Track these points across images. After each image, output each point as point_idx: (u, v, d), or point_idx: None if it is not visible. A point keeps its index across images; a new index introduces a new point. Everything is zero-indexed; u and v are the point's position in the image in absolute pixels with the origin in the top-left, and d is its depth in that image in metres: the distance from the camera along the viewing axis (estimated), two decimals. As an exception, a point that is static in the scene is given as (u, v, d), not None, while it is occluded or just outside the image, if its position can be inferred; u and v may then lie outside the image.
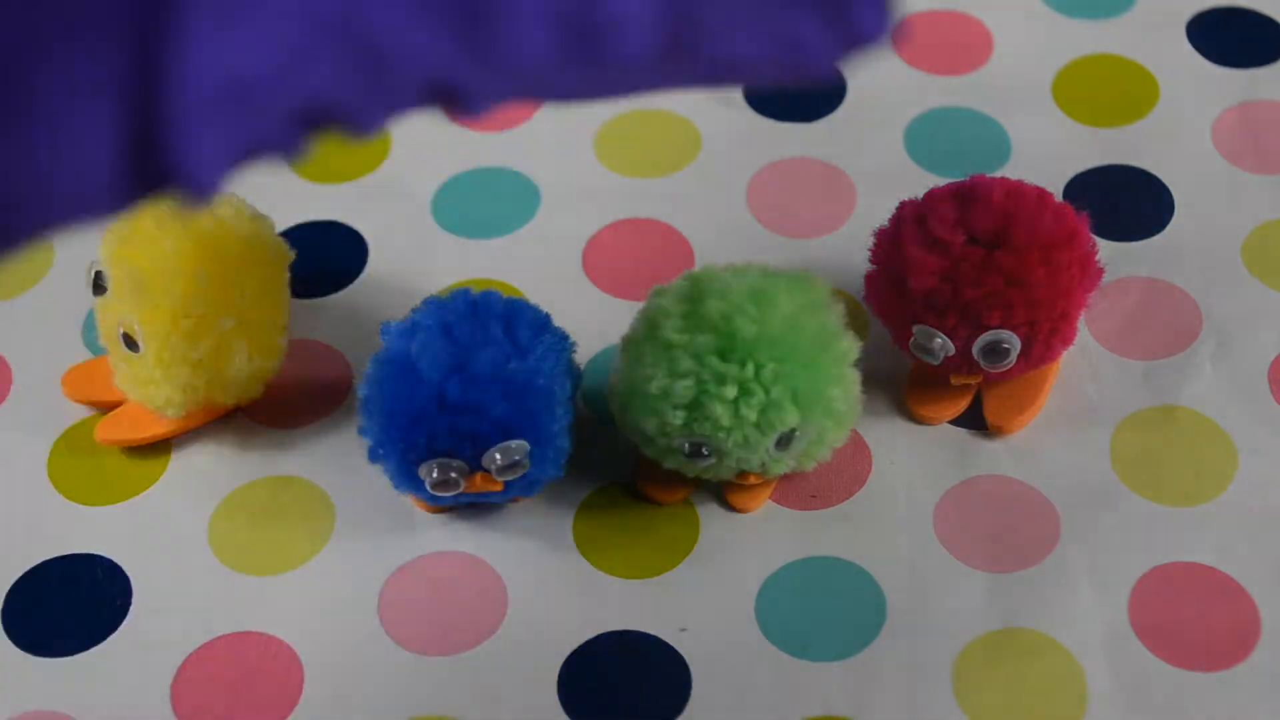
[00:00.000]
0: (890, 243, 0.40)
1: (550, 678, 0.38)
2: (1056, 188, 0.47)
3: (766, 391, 0.37)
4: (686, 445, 0.37)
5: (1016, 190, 0.40)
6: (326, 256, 0.48)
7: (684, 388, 0.36)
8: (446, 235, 0.48)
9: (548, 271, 0.47)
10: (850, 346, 0.38)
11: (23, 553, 0.41)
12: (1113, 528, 0.40)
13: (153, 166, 0.20)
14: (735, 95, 0.51)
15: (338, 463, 0.42)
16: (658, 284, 0.39)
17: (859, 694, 0.37)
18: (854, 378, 0.39)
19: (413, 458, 0.37)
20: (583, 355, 0.41)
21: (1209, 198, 0.47)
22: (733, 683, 0.38)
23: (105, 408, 0.44)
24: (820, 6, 0.25)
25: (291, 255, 0.43)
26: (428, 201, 0.49)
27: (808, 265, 0.39)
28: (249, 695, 0.38)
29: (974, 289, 0.39)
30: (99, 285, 0.41)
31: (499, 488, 0.38)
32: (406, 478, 0.38)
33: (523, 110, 0.51)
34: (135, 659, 0.39)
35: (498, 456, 0.37)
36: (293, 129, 0.22)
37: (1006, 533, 0.40)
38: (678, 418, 0.37)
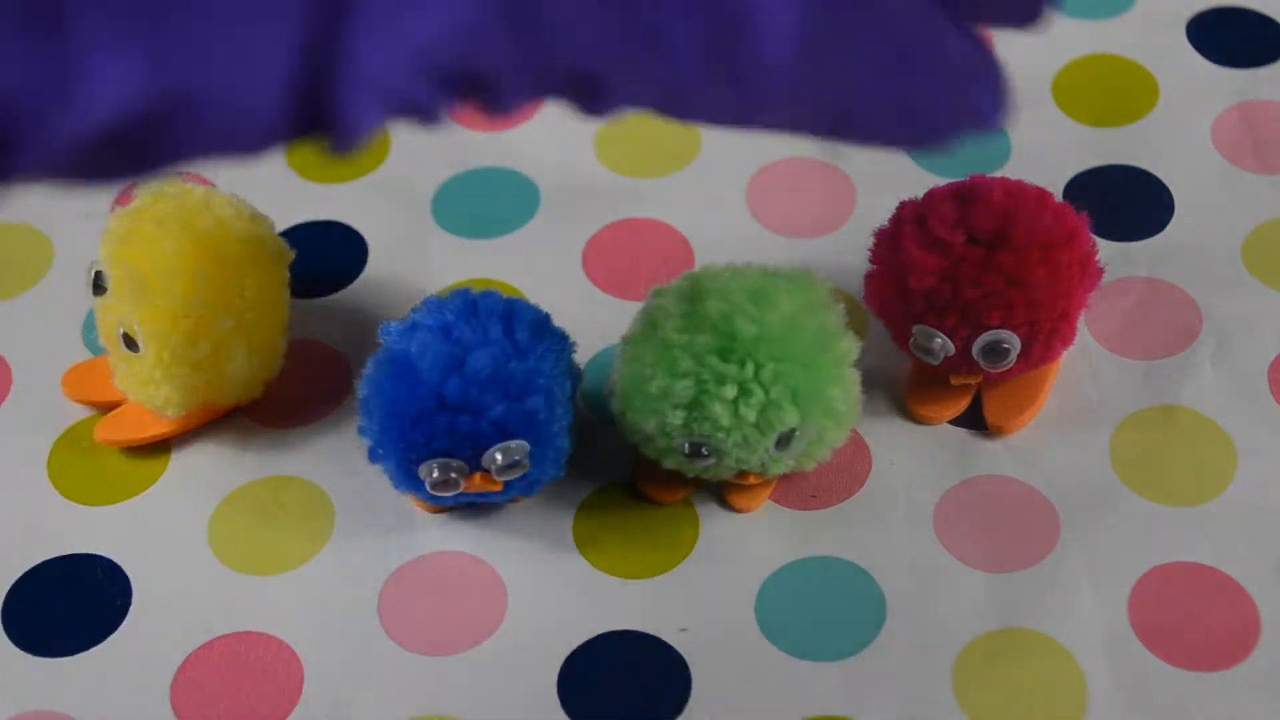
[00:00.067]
0: (890, 243, 0.40)
1: (550, 678, 0.38)
2: (1056, 188, 0.47)
3: (766, 391, 0.36)
4: (686, 445, 0.37)
5: (1016, 190, 0.40)
6: (326, 256, 0.48)
7: (684, 388, 0.36)
8: (446, 235, 0.48)
9: (548, 271, 0.47)
10: (850, 346, 0.38)
11: (23, 553, 0.41)
12: (1113, 528, 0.40)
13: (314, 107, 0.21)
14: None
15: (338, 463, 0.42)
16: (658, 284, 0.39)
17: (859, 694, 0.37)
18: (854, 378, 0.39)
19: (412, 458, 0.37)
20: (583, 355, 0.41)
21: (1209, 198, 0.47)
22: (733, 683, 0.38)
23: (105, 408, 0.44)
24: (951, 83, 0.26)
25: (291, 255, 0.43)
26: (428, 201, 0.49)
27: (808, 265, 0.39)
28: (249, 695, 0.38)
29: (974, 289, 0.39)
30: (99, 285, 0.41)
31: (499, 488, 0.38)
32: (406, 478, 0.38)
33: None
34: (135, 659, 0.39)
35: (498, 456, 0.37)
36: (442, 96, 0.23)
37: (1006, 533, 0.40)
38: (677, 418, 0.37)
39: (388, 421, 0.37)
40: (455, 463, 0.37)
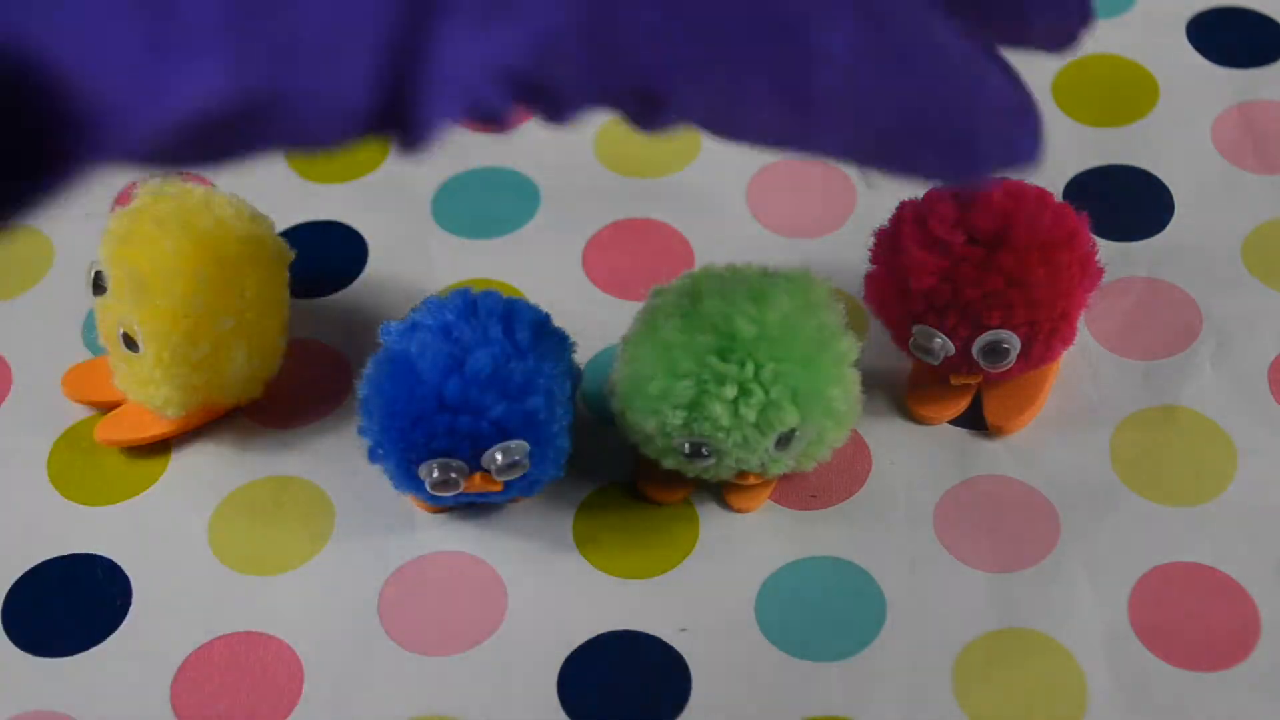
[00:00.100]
0: (890, 243, 0.40)
1: (550, 678, 0.38)
2: (1056, 188, 0.47)
3: (766, 391, 0.36)
4: (686, 445, 0.37)
5: (1016, 190, 0.39)
6: (326, 256, 0.48)
7: (684, 388, 0.36)
8: (446, 235, 0.48)
9: (548, 271, 0.47)
10: (850, 346, 0.38)
11: (23, 553, 0.41)
12: (1113, 528, 0.40)
13: (392, 106, 0.21)
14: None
15: (338, 463, 0.42)
16: (658, 284, 0.39)
17: (859, 694, 0.37)
18: (854, 378, 0.39)
19: (412, 458, 0.37)
20: (583, 355, 0.41)
21: (1209, 198, 0.47)
22: (733, 683, 0.38)
23: (105, 408, 0.44)
24: (993, 121, 0.27)
25: (291, 255, 0.43)
26: (428, 201, 0.49)
27: (808, 265, 0.39)
28: (249, 695, 0.38)
29: (974, 289, 0.39)
30: (99, 285, 0.41)
31: (499, 488, 0.38)
32: (406, 478, 0.38)
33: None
34: (135, 659, 0.39)
35: (498, 456, 0.37)
36: (510, 102, 0.23)
37: (1006, 533, 0.40)
38: (677, 418, 0.37)
39: (388, 421, 0.37)
40: (455, 463, 0.37)
